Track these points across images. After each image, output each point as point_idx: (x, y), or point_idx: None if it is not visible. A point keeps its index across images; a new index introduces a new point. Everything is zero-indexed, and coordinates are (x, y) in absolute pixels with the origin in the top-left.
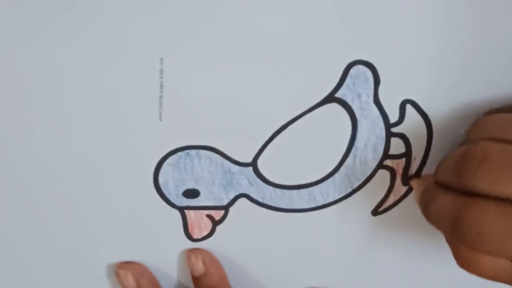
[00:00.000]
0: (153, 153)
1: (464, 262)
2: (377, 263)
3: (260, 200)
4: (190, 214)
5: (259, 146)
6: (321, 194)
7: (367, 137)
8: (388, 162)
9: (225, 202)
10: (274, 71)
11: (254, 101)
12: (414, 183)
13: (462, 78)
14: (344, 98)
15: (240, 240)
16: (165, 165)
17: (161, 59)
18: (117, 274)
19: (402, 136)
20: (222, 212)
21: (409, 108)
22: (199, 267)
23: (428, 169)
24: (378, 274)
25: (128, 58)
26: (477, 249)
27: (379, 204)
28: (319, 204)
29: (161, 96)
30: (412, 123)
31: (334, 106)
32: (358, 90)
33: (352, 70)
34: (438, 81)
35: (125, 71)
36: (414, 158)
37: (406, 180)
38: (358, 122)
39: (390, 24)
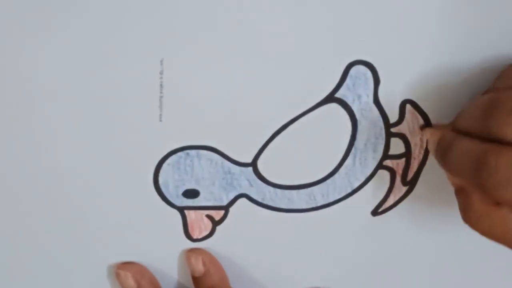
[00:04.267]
0: (153, 154)
1: (474, 215)
2: (377, 263)
3: (260, 200)
4: (190, 214)
5: (259, 146)
6: (321, 195)
7: (367, 137)
8: (388, 163)
9: (225, 202)
10: (274, 71)
11: (254, 102)
12: (427, 132)
13: (462, 78)
14: (344, 99)
15: (240, 240)
16: (165, 165)
17: (161, 60)
18: (117, 275)
19: (402, 136)
20: (222, 212)
21: (409, 108)
22: (199, 268)
23: (428, 170)
24: (378, 274)
25: (129, 60)
26: (499, 196)
27: (379, 205)
28: (319, 204)
29: (161, 97)
30: (412, 123)
31: (334, 106)
32: (358, 90)
33: (352, 70)
34: (437, 81)
35: (125, 72)
36: (414, 158)
37: (406, 180)
38: (358, 122)
39: (390, 24)
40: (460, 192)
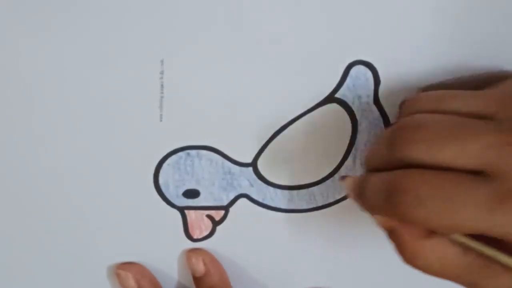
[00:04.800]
0: (153, 154)
1: (409, 254)
2: (378, 263)
3: (260, 200)
4: (190, 214)
5: (259, 146)
6: (321, 195)
7: (367, 137)
8: None
9: (225, 203)
10: (274, 71)
11: (254, 102)
12: (345, 181)
13: None
14: (344, 99)
15: (240, 240)
16: (165, 165)
17: (162, 61)
18: (118, 275)
19: None
20: (222, 212)
21: None
22: (200, 268)
23: None
24: (378, 274)
25: (129, 60)
26: (414, 218)
27: None
28: (319, 204)
29: (161, 97)
30: None
31: (334, 107)
32: (358, 90)
33: (353, 71)
34: (437, 81)
35: (126, 72)
36: None
37: None
38: (358, 123)
39: (390, 24)
40: (390, 235)
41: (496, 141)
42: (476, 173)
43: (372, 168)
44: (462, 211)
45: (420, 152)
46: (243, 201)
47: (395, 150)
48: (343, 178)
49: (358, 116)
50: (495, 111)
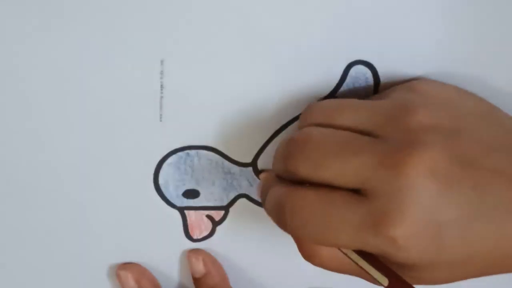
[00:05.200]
0: (153, 154)
1: (307, 254)
2: None
3: (260, 200)
4: (190, 214)
5: (259, 146)
6: None
7: None
8: None
9: (225, 203)
10: (274, 71)
11: (254, 101)
12: (261, 176)
13: (462, 78)
14: None
15: (240, 240)
16: (165, 165)
17: (162, 61)
18: (118, 276)
19: None
20: (222, 213)
21: None
22: (200, 268)
23: None
24: None
25: (129, 60)
26: (302, 238)
27: None
28: None
29: (161, 97)
30: None
31: None
32: (358, 90)
33: (352, 70)
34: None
35: (126, 72)
36: None
37: None
38: None
39: (390, 24)
40: (292, 236)
41: (374, 161)
42: (358, 192)
43: (276, 172)
44: (338, 233)
45: (306, 169)
46: (243, 201)
47: (286, 164)
48: (260, 172)
49: None
50: (380, 127)
